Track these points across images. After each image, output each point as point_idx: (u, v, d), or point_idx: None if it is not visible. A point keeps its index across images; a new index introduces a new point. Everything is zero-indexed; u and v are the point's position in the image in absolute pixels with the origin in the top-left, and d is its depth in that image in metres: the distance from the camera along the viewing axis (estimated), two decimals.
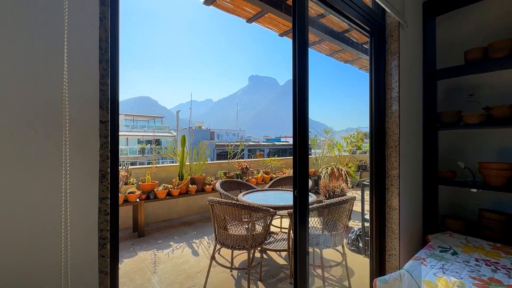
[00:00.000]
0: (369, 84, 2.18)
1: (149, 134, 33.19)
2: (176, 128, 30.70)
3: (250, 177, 5.09)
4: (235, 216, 2.10)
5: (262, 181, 5.27)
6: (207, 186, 4.36)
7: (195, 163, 4.54)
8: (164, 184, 3.98)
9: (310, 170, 6.62)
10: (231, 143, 5.62)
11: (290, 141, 56.55)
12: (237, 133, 48.19)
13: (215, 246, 2.25)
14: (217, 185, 3.18)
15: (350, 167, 5.55)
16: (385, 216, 2.16)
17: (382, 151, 2.17)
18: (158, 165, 4.34)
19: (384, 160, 2.17)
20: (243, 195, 2.91)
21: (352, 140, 5.59)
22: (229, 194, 2.95)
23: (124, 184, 3.63)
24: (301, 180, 1.45)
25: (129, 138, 30.55)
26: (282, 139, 59.01)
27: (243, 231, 2.34)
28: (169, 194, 3.96)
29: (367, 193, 2.45)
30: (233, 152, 5.25)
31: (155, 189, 3.80)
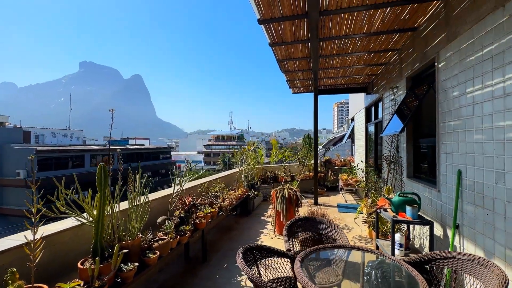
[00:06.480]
0: None
1: None
2: None
3: (194, 217, 3.38)
4: None
5: (210, 220, 3.69)
6: (151, 256, 2.33)
7: (125, 208, 2.32)
8: None
9: (237, 191, 5.53)
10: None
11: (145, 143, 50.18)
12: (69, 134, 36.20)
13: None
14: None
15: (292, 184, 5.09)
16: None
17: None
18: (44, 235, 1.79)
19: None
20: None
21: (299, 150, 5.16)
22: None
23: None
24: None
25: None
26: (130, 141, 50.94)
27: None
28: None
29: None
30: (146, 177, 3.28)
31: None
